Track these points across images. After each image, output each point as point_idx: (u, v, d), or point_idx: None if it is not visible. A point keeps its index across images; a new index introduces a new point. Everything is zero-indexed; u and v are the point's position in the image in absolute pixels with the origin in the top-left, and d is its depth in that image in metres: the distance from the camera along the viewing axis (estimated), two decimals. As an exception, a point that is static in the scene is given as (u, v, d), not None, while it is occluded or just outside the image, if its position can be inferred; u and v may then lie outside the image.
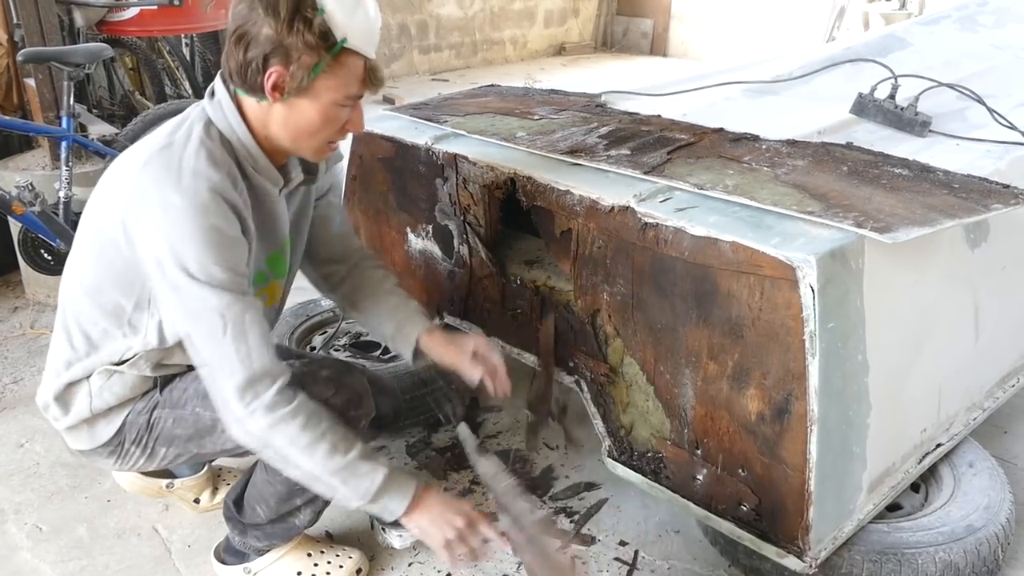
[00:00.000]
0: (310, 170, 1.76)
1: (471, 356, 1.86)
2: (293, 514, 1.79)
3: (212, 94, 1.59)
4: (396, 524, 1.96)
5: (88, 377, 1.69)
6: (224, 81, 1.57)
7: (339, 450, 1.52)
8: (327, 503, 1.80)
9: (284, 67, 1.47)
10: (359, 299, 1.96)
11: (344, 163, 2.01)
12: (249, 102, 1.55)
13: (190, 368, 1.69)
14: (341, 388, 1.68)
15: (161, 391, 1.72)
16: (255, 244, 1.62)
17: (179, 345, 1.63)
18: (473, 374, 1.86)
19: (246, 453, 1.75)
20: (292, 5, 1.44)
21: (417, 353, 1.90)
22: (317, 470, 1.52)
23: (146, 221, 1.48)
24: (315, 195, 1.87)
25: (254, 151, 1.58)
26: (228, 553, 1.91)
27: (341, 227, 1.98)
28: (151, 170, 1.50)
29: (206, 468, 2.14)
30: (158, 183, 1.47)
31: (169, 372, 1.72)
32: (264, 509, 1.78)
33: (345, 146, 1.99)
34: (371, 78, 1.57)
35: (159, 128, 1.60)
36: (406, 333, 1.90)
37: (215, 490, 2.15)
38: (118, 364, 1.67)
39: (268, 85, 1.49)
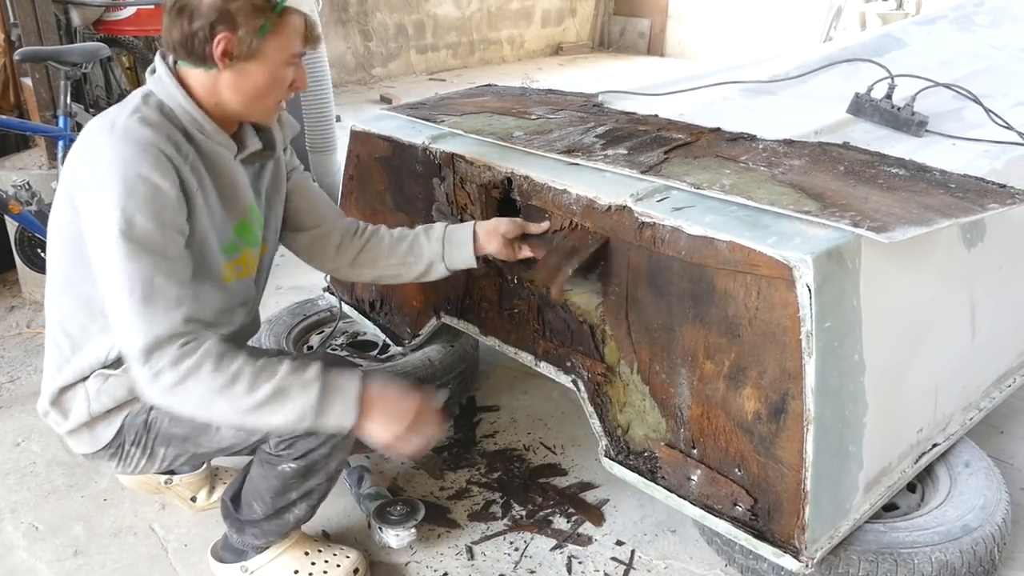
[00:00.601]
0: (268, 144, 1.78)
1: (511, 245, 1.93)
2: (288, 509, 1.79)
3: (153, 71, 1.62)
4: (393, 524, 1.98)
5: (84, 380, 1.69)
6: (163, 56, 1.61)
7: (261, 380, 1.47)
8: (321, 498, 1.80)
9: (231, 32, 1.52)
10: (370, 256, 1.96)
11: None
12: (194, 73, 1.59)
13: None
14: None
15: None
16: (218, 210, 1.64)
17: None
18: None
19: (245, 451, 1.76)
20: None
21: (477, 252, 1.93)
22: (243, 408, 1.47)
23: (82, 181, 1.51)
24: (284, 170, 1.90)
25: (199, 117, 1.60)
26: (225, 551, 1.91)
27: (322, 199, 2.00)
28: (87, 138, 1.54)
29: (205, 467, 2.14)
30: (92, 146, 1.51)
31: None
32: (260, 505, 1.78)
33: (343, 145, 1.99)
34: (310, 35, 1.62)
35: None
36: (456, 248, 1.92)
37: (212, 489, 2.15)
38: (110, 367, 1.67)
39: (217, 52, 1.53)
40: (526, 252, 1.95)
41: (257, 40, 1.54)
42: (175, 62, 1.61)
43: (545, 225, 1.94)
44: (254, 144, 1.73)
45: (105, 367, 1.68)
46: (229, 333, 1.76)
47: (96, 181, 1.48)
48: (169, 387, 1.45)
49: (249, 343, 2.03)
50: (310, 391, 1.49)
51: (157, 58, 1.62)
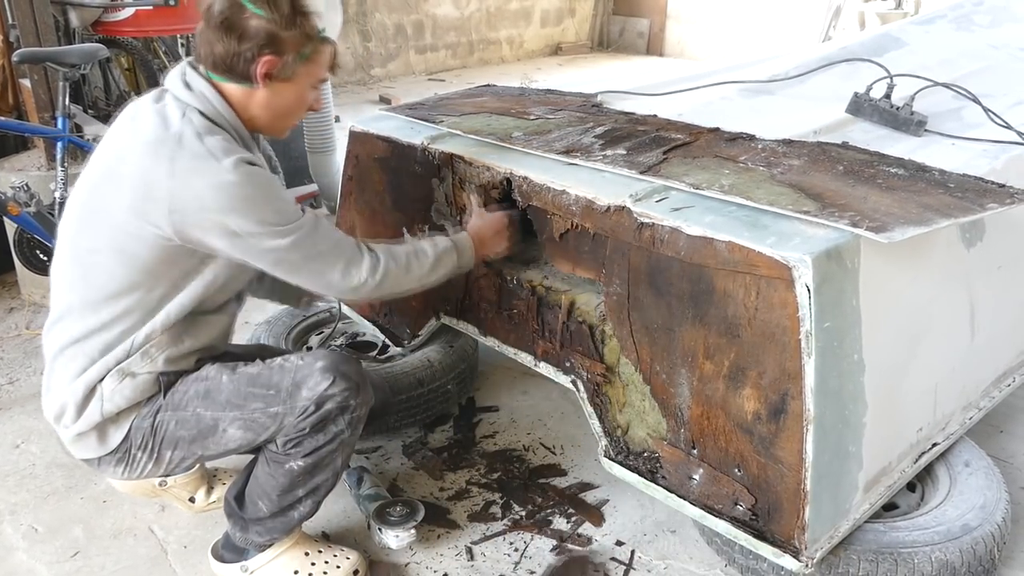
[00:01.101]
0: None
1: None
2: (294, 506, 1.79)
3: (188, 87, 1.66)
4: (393, 525, 1.98)
5: (100, 381, 1.71)
6: (194, 69, 1.67)
7: (422, 259, 1.87)
8: (326, 493, 1.82)
9: (277, 56, 1.63)
10: None
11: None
12: (228, 87, 1.67)
13: (198, 363, 1.78)
14: (338, 378, 1.70)
15: (164, 395, 1.74)
16: None
17: (190, 324, 1.74)
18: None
19: (248, 452, 1.79)
20: (291, 1, 1.61)
21: None
22: (419, 278, 1.87)
23: (205, 205, 1.57)
24: None
25: (242, 130, 1.71)
26: (226, 550, 1.91)
27: None
28: (181, 165, 1.58)
29: (199, 466, 2.13)
30: (200, 172, 1.57)
31: (178, 367, 1.75)
32: (266, 503, 1.79)
33: (342, 145, 2.01)
34: (335, 61, 1.77)
35: (145, 137, 1.63)
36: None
37: (210, 489, 2.15)
38: (131, 356, 1.70)
39: (259, 72, 1.63)
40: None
41: (296, 65, 1.66)
42: (208, 73, 1.66)
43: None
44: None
45: (119, 364, 1.70)
46: (228, 318, 1.87)
47: (230, 199, 1.57)
48: (372, 288, 1.78)
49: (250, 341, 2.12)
50: (451, 255, 1.92)
51: (189, 72, 1.67)
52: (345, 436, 1.73)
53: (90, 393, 1.71)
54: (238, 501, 1.84)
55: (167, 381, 1.74)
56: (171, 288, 1.69)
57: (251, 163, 1.61)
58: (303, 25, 1.62)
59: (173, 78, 1.68)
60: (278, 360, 1.77)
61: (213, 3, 1.60)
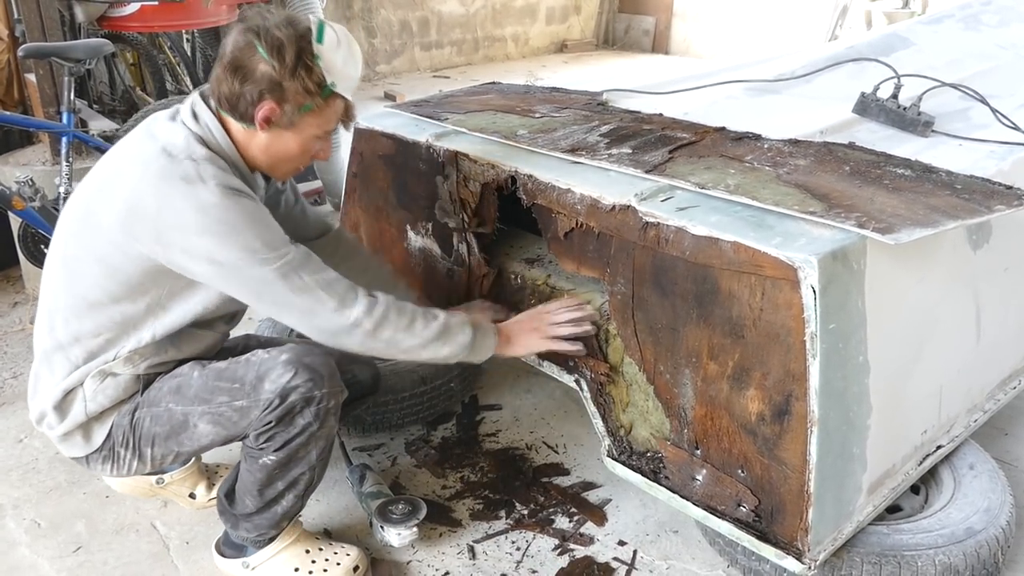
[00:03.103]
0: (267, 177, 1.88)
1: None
2: (276, 500, 1.80)
3: (196, 117, 1.67)
4: (395, 523, 1.98)
5: (82, 384, 1.74)
6: (204, 100, 1.68)
7: (430, 320, 1.74)
8: (308, 487, 1.82)
9: (277, 104, 1.62)
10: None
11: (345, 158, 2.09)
12: (233, 124, 1.67)
13: (179, 363, 1.80)
14: (300, 370, 1.70)
15: (142, 392, 1.77)
16: None
17: (176, 336, 1.75)
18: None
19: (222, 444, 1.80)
20: (295, 52, 1.58)
21: None
22: (421, 341, 1.73)
23: (186, 226, 1.57)
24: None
25: (241, 166, 1.71)
26: (227, 546, 1.92)
27: (302, 201, 2.09)
28: (170, 186, 1.58)
29: (193, 461, 2.14)
30: (183, 194, 1.57)
31: (158, 370, 1.78)
32: (251, 499, 1.80)
33: (346, 143, 2.01)
34: (347, 116, 1.74)
35: (145, 155, 1.64)
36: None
37: (210, 485, 2.16)
38: (113, 361, 1.73)
39: (259, 116, 1.62)
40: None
41: (298, 115, 1.64)
42: (217, 108, 1.67)
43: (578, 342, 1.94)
44: (263, 185, 1.83)
45: (101, 367, 1.73)
46: (216, 335, 1.86)
47: (210, 223, 1.56)
48: (367, 332, 1.68)
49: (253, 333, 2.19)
50: (466, 331, 1.78)
51: (198, 103, 1.68)
52: (314, 429, 1.72)
53: (72, 394, 1.75)
54: (228, 498, 1.86)
55: (146, 379, 1.77)
56: (156, 306, 1.70)
57: (239, 191, 1.60)
58: (306, 78, 1.59)
59: (186, 105, 1.69)
60: (247, 355, 1.78)
61: (228, 41, 1.61)
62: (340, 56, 1.63)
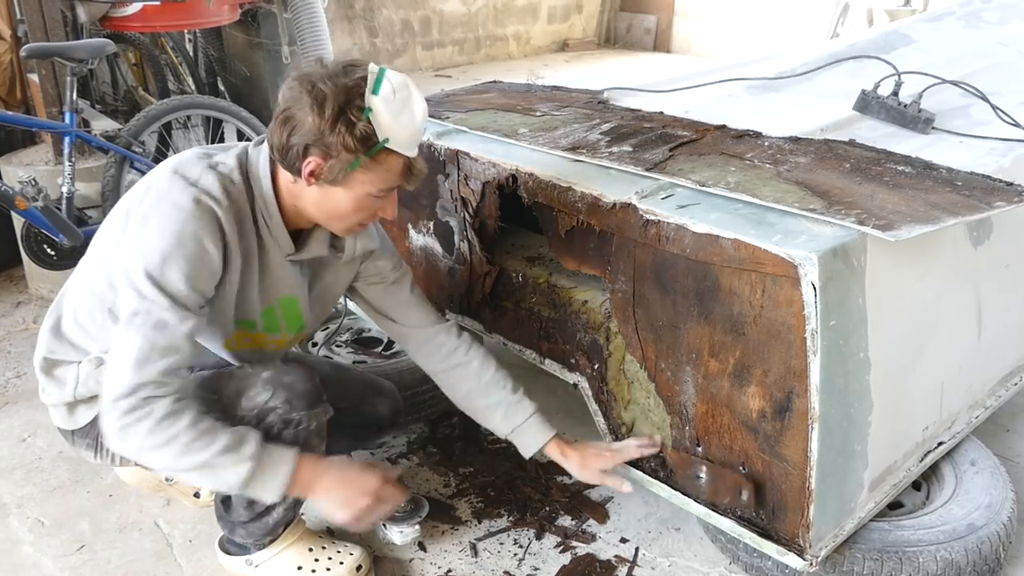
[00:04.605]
0: (336, 245, 1.78)
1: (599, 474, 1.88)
2: (267, 512, 1.79)
3: (261, 142, 1.63)
4: (397, 520, 1.99)
5: (79, 363, 1.74)
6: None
7: (193, 450, 1.49)
8: (298, 500, 1.81)
9: (323, 159, 1.51)
10: (448, 383, 1.97)
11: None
12: (283, 175, 1.60)
13: None
14: (278, 391, 1.67)
15: None
16: (254, 290, 1.67)
17: None
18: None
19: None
20: (339, 105, 1.46)
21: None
22: (173, 469, 1.56)
23: (145, 208, 1.54)
24: (351, 275, 1.88)
25: (272, 210, 1.63)
26: (231, 544, 1.92)
27: (411, 292, 1.95)
28: (176, 170, 1.56)
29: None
30: (175, 181, 1.54)
31: None
32: (242, 509, 1.80)
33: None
34: (410, 173, 1.59)
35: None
36: (525, 440, 1.92)
37: (215, 485, 2.15)
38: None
39: (305, 171, 1.53)
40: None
41: (345, 173, 1.53)
42: (272, 152, 1.59)
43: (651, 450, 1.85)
44: (319, 251, 1.74)
45: (102, 353, 1.72)
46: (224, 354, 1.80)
47: (155, 218, 1.51)
48: (116, 430, 1.49)
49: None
50: (240, 468, 1.51)
51: (260, 144, 1.64)
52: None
53: (65, 369, 1.75)
54: (224, 504, 1.86)
55: None
56: None
57: (211, 213, 1.51)
58: (346, 134, 1.47)
59: (233, 150, 1.65)
60: (234, 367, 1.76)
61: (284, 90, 1.52)
62: (394, 109, 1.49)
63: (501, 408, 1.90)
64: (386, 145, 1.51)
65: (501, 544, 2.06)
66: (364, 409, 2.02)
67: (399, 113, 1.50)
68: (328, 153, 1.50)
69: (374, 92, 1.48)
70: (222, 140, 4.26)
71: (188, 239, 1.50)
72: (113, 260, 1.60)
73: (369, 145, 1.50)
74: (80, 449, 1.84)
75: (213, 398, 1.69)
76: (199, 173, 1.56)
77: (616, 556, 2.02)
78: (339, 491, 1.62)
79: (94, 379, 1.72)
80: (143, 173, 2.52)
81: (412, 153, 1.57)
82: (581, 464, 1.87)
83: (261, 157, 1.62)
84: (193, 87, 4.97)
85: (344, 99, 1.47)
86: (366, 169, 1.54)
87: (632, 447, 1.85)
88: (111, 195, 3.28)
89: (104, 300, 1.67)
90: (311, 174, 1.53)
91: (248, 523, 1.82)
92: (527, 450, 1.92)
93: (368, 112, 1.48)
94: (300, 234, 1.70)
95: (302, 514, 1.93)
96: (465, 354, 1.92)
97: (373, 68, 1.51)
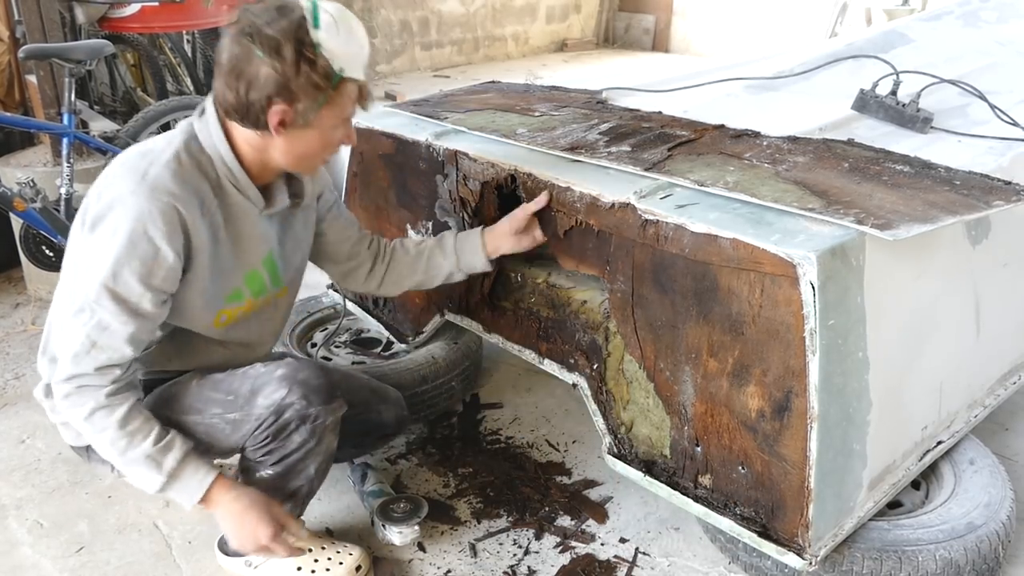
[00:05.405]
0: (296, 192, 1.80)
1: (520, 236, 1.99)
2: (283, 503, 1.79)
3: (202, 112, 1.63)
4: (397, 521, 1.98)
5: None
6: (214, 104, 1.61)
7: (118, 448, 1.58)
8: (308, 496, 1.84)
9: (289, 105, 1.52)
10: (394, 278, 2.07)
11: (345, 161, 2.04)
12: (243, 131, 1.59)
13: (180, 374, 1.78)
14: (295, 387, 1.69)
15: (143, 398, 1.74)
16: (228, 260, 1.67)
17: (183, 347, 1.74)
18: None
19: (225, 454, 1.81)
20: (294, 48, 1.47)
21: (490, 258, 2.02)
22: (104, 455, 1.63)
23: (99, 213, 1.55)
24: (313, 219, 1.92)
25: (237, 171, 1.63)
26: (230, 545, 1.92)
27: (351, 224, 2.04)
28: (123, 169, 1.57)
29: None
30: (121, 184, 1.55)
31: (162, 378, 1.78)
32: None
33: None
34: (363, 97, 1.63)
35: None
36: (468, 257, 2.01)
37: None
38: None
39: (273, 122, 1.54)
40: (538, 234, 1.98)
41: (313, 112, 1.55)
42: (223, 115, 1.60)
43: (544, 198, 1.94)
44: (283, 201, 1.75)
45: None
46: (229, 352, 1.83)
47: (107, 222, 1.53)
48: (61, 407, 1.60)
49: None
50: (156, 478, 1.60)
51: (209, 101, 1.63)
52: (311, 446, 1.72)
53: None
54: None
55: (147, 386, 1.76)
56: None
57: (166, 208, 1.51)
58: (311, 74, 1.49)
59: (200, 106, 1.66)
60: (245, 368, 1.77)
61: (223, 49, 1.52)
62: (341, 37, 1.51)
63: (436, 259, 2.02)
64: (343, 75, 1.53)
65: (500, 544, 2.06)
66: (369, 416, 2.03)
67: (347, 41, 1.53)
68: (294, 97, 1.51)
69: (316, 26, 1.49)
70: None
71: (139, 240, 1.51)
72: (75, 267, 1.62)
73: (331, 79, 1.52)
74: (96, 465, 1.82)
75: (229, 399, 1.70)
76: (145, 168, 1.55)
77: (615, 556, 2.02)
78: (234, 526, 1.67)
79: None
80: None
81: (363, 77, 1.59)
82: (515, 239, 1.97)
83: (210, 126, 1.61)
84: (192, 88, 4.97)
85: (296, 40, 1.47)
86: (330, 104, 1.56)
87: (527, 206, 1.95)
88: (110, 196, 3.27)
89: None
90: (280, 124, 1.54)
91: None
92: (482, 265, 2.00)
93: (318, 47, 1.49)
94: (265, 190, 1.71)
95: (301, 516, 1.93)
96: (392, 252, 2.05)
97: (305, 2, 1.51)
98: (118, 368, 1.57)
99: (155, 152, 1.58)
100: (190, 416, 1.72)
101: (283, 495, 1.77)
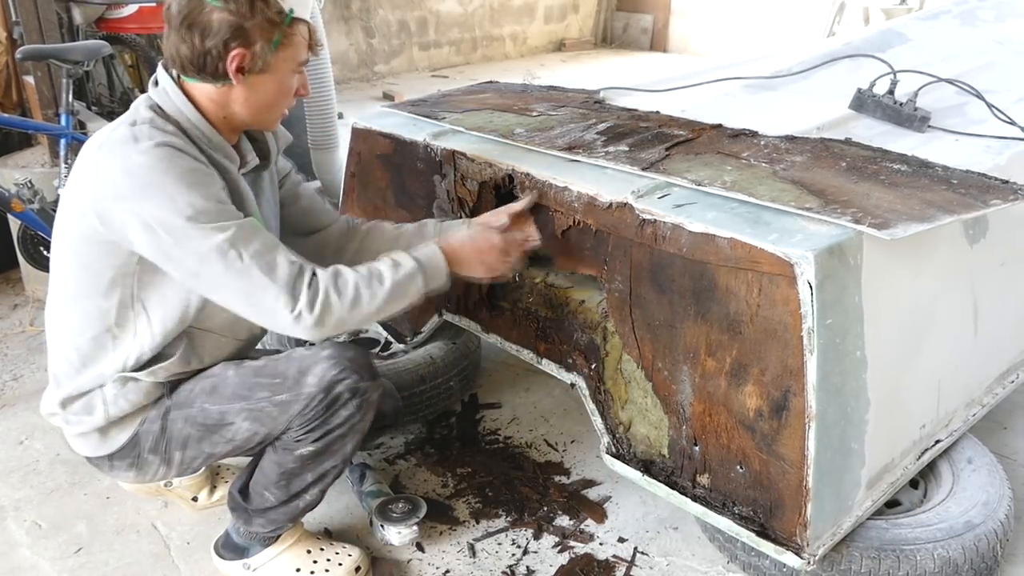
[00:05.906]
0: (263, 155, 1.82)
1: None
2: (300, 495, 1.78)
3: (156, 83, 1.64)
4: (395, 521, 1.98)
5: (101, 387, 1.72)
6: (166, 69, 1.63)
7: (375, 287, 1.62)
8: (333, 480, 1.82)
9: (246, 48, 1.56)
10: (370, 252, 1.99)
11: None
12: (202, 88, 1.61)
13: (202, 370, 1.77)
14: (346, 364, 1.70)
15: (170, 395, 1.75)
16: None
17: (197, 346, 1.73)
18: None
19: (256, 449, 1.79)
20: None
21: None
22: (372, 311, 1.63)
23: (117, 191, 1.53)
24: (277, 178, 1.93)
25: (207, 130, 1.64)
26: (227, 549, 1.91)
27: (316, 200, 2.06)
28: (107, 149, 1.56)
29: (204, 468, 2.13)
30: (116, 156, 1.53)
31: (183, 376, 1.76)
32: (274, 491, 1.78)
33: (344, 143, 1.98)
34: (313, 41, 1.68)
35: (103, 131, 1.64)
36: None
37: (213, 488, 2.16)
38: (136, 370, 1.70)
39: (231, 68, 1.57)
40: (533, 234, 1.95)
41: (270, 54, 1.58)
42: (179, 75, 1.62)
43: (529, 197, 1.94)
44: (253, 159, 1.77)
45: (124, 371, 1.70)
46: (238, 342, 1.82)
47: (140, 186, 1.51)
48: (312, 323, 1.56)
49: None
50: (416, 280, 1.68)
51: (160, 70, 1.64)
52: (356, 420, 1.72)
53: (90, 396, 1.72)
54: (243, 494, 1.84)
55: (172, 384, 1.75)
56: (131, 299, 1.66)
57: (178, 151, 1.53)
58: (265, 11, 1.54)
59: (152, 78, 1.67)
60: (284, 352, 1.78)
61: (172, 4, 1.54)
62: None
63: (415, 243, 1.94)
64: (293, 15, 1.58)
65: (499, 544, 2.06)
66: None
67: None
68: (250, 39, 1.55)
69: None
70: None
71: (184, 172, 1.52)
72: (89, 258, 1.61)
73: (284, 16, 1.57)
74: (119, 472, 1.81)
75: (276, 382, 1.70)
76: (133, 135, 1.54)
77: (614, 556, 2.02)
78: (481, 266, 1.79)
79: (123, 398, 1.71)
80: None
81: (308, 16, 1.64)
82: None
83: (169, 92, 1.62)
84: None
85: None
86: (284, 45, 1.60)
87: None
88: (107, 197, 3.27)
89: (92, 310, 1.66)
90: (238, 69, 1.57)
91: (273, 509, 1.80)
92: None
93: None
94: (234, 149, 1.72)
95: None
96: (372, 226, 2.06)
97: None
98: (291, 255, 1.59)
99: (125, 126, 1.57)
100: (236, 403, 1.71)
101: (315, 474, 1.76)
